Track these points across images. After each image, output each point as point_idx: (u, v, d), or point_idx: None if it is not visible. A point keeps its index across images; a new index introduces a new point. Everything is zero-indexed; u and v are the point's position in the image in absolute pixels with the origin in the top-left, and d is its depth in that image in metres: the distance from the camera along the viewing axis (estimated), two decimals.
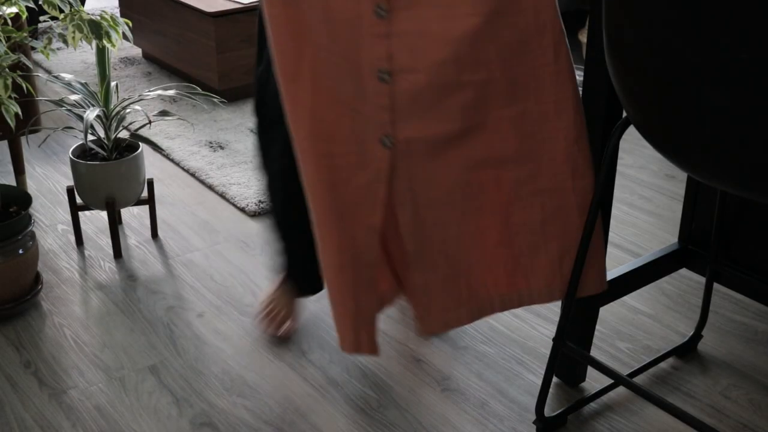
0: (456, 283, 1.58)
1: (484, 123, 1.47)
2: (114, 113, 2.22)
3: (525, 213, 1.54)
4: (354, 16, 1.40)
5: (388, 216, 1.53)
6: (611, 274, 1.78)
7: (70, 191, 2.26)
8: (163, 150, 2.41)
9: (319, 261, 1.56)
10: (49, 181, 2.71)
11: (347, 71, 1.44)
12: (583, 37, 3.69)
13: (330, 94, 1.47)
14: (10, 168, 2.70)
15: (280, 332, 1.95)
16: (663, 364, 1.87)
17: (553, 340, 1.59)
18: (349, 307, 1.56)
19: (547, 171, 1.52)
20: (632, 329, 1.99)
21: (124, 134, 2.30)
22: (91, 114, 2.08)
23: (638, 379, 1.82)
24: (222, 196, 2.61)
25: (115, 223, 2.23)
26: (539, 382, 1.82)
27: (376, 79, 1.42)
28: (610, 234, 2.37)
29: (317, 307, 2.06)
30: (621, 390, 1.79)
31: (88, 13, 2.01)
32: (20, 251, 1.99)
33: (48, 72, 3.68)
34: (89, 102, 2.23)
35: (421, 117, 1.44)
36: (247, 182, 2.66)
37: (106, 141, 2.22)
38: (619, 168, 2.77)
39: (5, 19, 2.03)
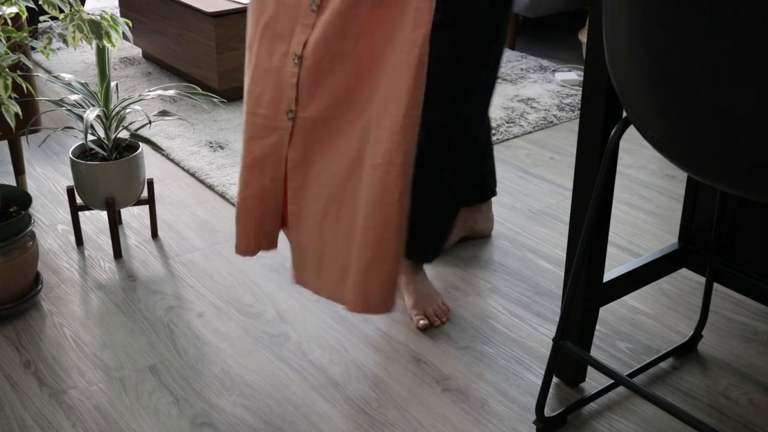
0: (317, 256, 1.81)
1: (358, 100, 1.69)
2: (114, 113, 2.22)
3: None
4: (296, 5, 1.69)
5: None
6: (611, 274, 1.79)
7: (70, 191, 2.26)
8: (163, 150, 2.40)
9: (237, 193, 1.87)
10: (49, 181, 2.71)
11: (279, 49, 1.72)
12: (583, 37, 3.69)
13: (264, 64, 1.76)
14: (10, 168, 2.70)
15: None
16: (663, 364, 1.87)
17: (553, 340, 1.59)
18: (251, 225, 1.86)
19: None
20: (632, 329, 1.99)
21: (124, 134, 2.30)
22: (91, 114, 2.08)
23: (638, 379, 1.82)
24: (222, 196, 2.61)
25: (115, 223, 2.24)
26: (539, 382, 1.82)
27: (291, 62, 1.70)
28: (610, 234, 2.37)
29: (317, 307, 2.07)
30: (621, 390, 1.79)
31: (88, 13, 2.01)
32: (20, 251, 1.99)
33: (48, 72, 3.68)
34: (89, 102, 2.23)
35: (312, 98, 1.71)
36: None
37: (106, 141, 2.22)
38: (619, 168, 2.77)
39: (5, 19, 2.03)
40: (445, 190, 1.97)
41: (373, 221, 1.66)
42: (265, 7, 1.74)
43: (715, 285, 2.11)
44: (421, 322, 1.98)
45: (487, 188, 2.28)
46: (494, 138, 2.98)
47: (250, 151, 1.81)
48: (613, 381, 1.77)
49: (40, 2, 1.99)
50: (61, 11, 1.99)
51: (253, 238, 1.87)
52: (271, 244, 1.90)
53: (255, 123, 1.78)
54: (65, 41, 1.98)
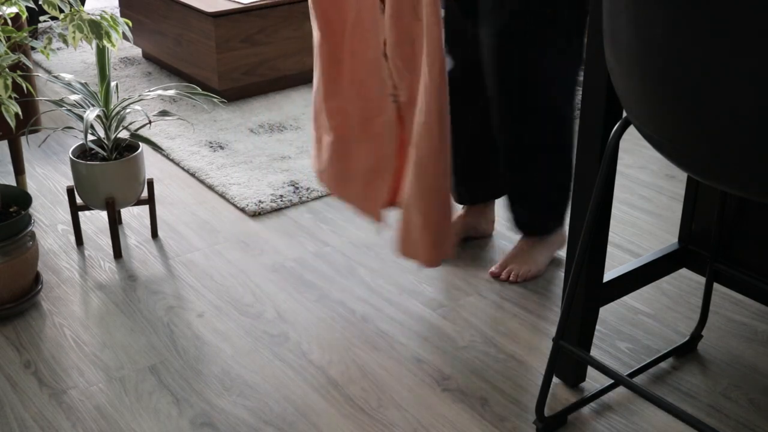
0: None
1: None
2: (114, 113, 2.22)
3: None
4: (371, 6, 1.91)
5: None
6: (611, 274, 1.79)
7: (70, 191, 2.26)
8: (163, 150, 2.40)
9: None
10: (49, 181, 2.71)
11: (372, 43, 1.95)
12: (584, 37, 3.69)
13: (363, 56, 1.99)
14: (10, 168, 2.70)
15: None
16: (663, 364, 1.87)
17: (553, 340, 1.59)
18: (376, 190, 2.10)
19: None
20: (632, 329, 1.99)
21: (124, 134, 2.30)
22: (91, 114, 2.08)
23: (638, 379, 1.82)
24: (222, 196, 2.61)
25: (115, 223, 2.24)
26: (539, 382, 1.82)
27: (383, 57, 1.94)
28: (610, 234, 2.37)
29: (317, 307, 2.07)
30: (621, 390, 1.79)
31: (88, 13, 2.01)
32: (20, 251, 1.99)
33: (48, 72, 3.68)
34: (89, 102, 2.23)
35: (402, 82, 1.93)
36: (247, 182, 2.66)
37: (106, 141, 2.22)
38: (619, 168, 2.77)
39: (5, 19, 2.03)
40: (560, 167, 2.12)
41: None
42: (347, 7, 1.96)
43: (715, 285, 2.11)
44: (494, 269, 2.21)
45: (498, 189, 2.30)
46: None
47: (365, 130, 2.04)
48: (613, 381, 1.77)
49: (40, 2, 1.99)
50: (61, 11, 1.99)
51: (381, 200, 2.07)
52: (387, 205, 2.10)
53: (367, 107, 2.02)
54: (65, 41, 1.98)
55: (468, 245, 2.34)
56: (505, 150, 2.11)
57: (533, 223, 2.19)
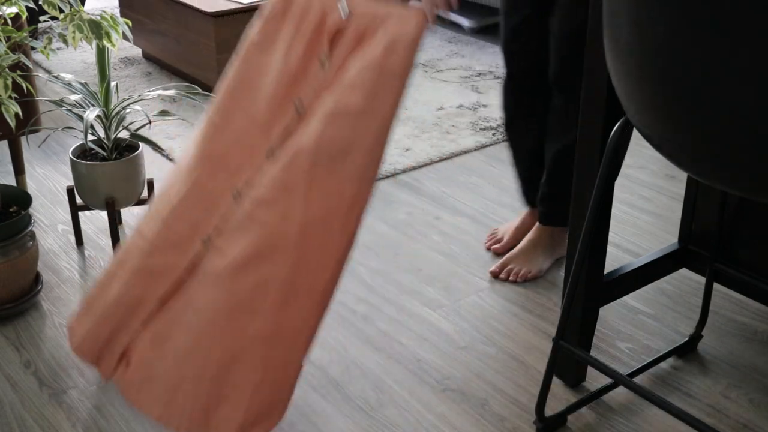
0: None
1: None
2: (114, 113, 2.22)
3: None
4: (250, 148, 1.66)
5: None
6: (611, 274, 1.79)
7: (70, 191, 2.26)
8: (163, 150, 2.40)
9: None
10: (49, 181, 2.71)
11: (221, 176, 1.68)
12: None
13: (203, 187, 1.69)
14: (10, 168, 2.70)
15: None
16: (663, 364, 1.87)
17: (553, 340, 1.59)
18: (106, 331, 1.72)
19: None
20: (632, 329, 1.99)
21: (124, 134, 2.30)
22: (91, 114, 2.08)
23: (638, 379, 1.82)
24: None
25: (115, 223, 2.23)
26: (539, 382, 1.82)
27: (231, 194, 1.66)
28: (610, 234, 2.37)
29: None
30: (621, 390, 1.79)
31: (88, 13, 2.01)
32: (20, 251, 1.99)
33: (48, 72, 3.68)
34: (89, 102, 2.23)
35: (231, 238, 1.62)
36: None
37: (106, 141, 2.22)
38: None
39: (5, 19, 2.03)
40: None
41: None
42: (219, 138, 1.67)
43: (715, 285, 2.11)
44: (494, 268, 2.21)
45: None
46: (494, 138, 2.98)
47: (149, 256, 1.67)
48: (613, 381, 1.77)
49: (40, 2, 1.99)
50: (61, 11, 1.99)
51: (104, 345, 1.72)
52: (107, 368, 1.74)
53: (168, 236, 1.67)
54: (65, 41, 1.98)
55: (467, 245, 2.34)
56: (554, 143, 2.13)
57: (555, 211, 2.20)
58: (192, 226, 1.65)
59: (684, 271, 2.19)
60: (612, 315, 2.04)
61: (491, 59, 3.81)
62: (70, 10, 1.98)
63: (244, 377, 1.56)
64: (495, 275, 2.19)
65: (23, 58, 2.00)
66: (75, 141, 2.95)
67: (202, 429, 1.57)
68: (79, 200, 2.30)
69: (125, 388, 1.67)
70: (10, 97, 1.93)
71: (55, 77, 2.26)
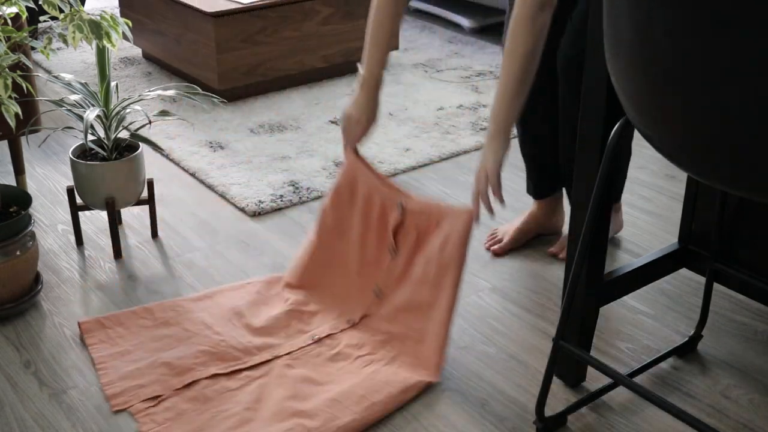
0: None
1: None
2: (114, 113, 2.22)
3: None
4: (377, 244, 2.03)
5: None
6: (611, 274, 1.78)
7: (70, 191, 2.26)
8: (163, 150, 2.40)
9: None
10: (49, 181, 2.71)
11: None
12: None
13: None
14: (10, 168, 2.70)
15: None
16: (663, 364, 1.87)
17: (553, 340, 1.59)
18: None
19: None
20: (632, 329, 1.99)
21: (124, 134, 2.30)
22: (91, 114, 2.08)
23: (638, 379, 1.82)
24: (222, 196, 2.61)
25: (115, 223, 2.24)
26: (539, 382, 1.82)
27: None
28: (611, 234, 2.37)
29: None
30: (621, 390, 1.79)
31: (88, 13, 2.01)
32: (20, 251, 1.99)
33: (48, 72, 3.69)
34: (89, 102, 2.23)
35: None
36: (247, 182, 2.66)
37: (106, 141, 2.22)
38: None
39: (5, 19, 2.03)
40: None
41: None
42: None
43: (715, 285, 2.11)
44: (495, 247, 2.32)
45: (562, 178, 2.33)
46: None
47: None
48: (613, 381, 1.77)
49: (40, 2, 1.99)
50: (61, 11, 1.99)
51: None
52: None
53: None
54: (65, 41, 1.98)
55: None
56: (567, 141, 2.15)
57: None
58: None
59: (684, 271, 2.19)
60: (612, 315, 2.04)
61: (491, 59, 3.81)
62: (70, 10, 1.98)
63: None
64: (554, 255, 2.29)
65: (23, 58, 2.00)
66: (75, 141, 2.95)
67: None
68: (79, 200, 2.30)
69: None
70: (10, 97, 1.93)
71: (55, 77, 2.26)
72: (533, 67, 1.74)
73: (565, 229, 2.41)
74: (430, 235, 1.87)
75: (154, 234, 2.38)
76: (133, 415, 1.70)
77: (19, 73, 2.02)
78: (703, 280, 2.15)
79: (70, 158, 2.20)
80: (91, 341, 1.91)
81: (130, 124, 2.32)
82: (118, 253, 2.27)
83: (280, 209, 2.53)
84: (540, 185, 2.31)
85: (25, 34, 1.99)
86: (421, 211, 1.89)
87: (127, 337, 1.92)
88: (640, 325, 2.00)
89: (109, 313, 1.99)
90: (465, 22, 4.23)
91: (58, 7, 1.98)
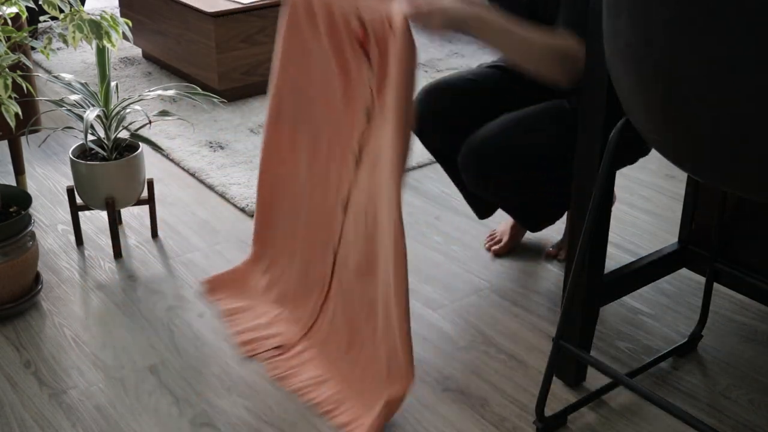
0: None
1: None
2: (114, 113, 2.22)
3: None
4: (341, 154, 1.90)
5: None
6: (611, 274, 1.78)
7: (70, 191, 2.26)
8: (163, 150, 2.40)
9: None
10: (49, 181, 2.71)
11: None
12: None
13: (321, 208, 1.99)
14: (10, 168, 2.70)
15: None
16: (663, 364, 1.87)
17: (553, 340, 1.59)
18: None
19: None
20: (632, 329, 1.99)
21: (124, 134, 2.30)
22: (91, 114, 2.08)
23: (638, 379, 1.82)
24: (222, 196, 2.61)
25: (115, 223, 2.24)
26: (539, 382, 1.82)
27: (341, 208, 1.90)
28: (610, 234, 2.37)
29: None
30: (621, 390, 1.79)
31: (88, 13, 2.01)
32: (20, 251, 1.99)
33: (48, 72, 3.68)
34: (89, 102, 2.23)
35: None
36: (247, 182, 2.66)
37: (106, 141, 2.22)
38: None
39: (5, 19, 2.03)
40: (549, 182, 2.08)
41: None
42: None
43: (715, 285, 2.11)
44: (495, 247, 2.31)
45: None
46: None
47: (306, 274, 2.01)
48: (613, 381, 1.77)
49: (40, 2, 1.99)
50: (61, 11, 1.99)
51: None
52: None
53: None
54: (65, 41, 1.98)
55: (467, 245, 2.34)
56: None
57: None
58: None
59: (684, 271, 2.19)
60: (612, 315, 2.04)
61: (491, 59, 3.80)
62: (70, 10, 1.98)
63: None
64: (552, 255, 2.28)
65: (23, 58, 2.00)
66: (75, 141, 2.95)
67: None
68: (79, 200, 2.30)
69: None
70: (10, 97, 1.93)
71: (55, 77, 2.26)
72: (538, 58, 1.73)
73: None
74: (389, 56, 1.64)
75: (154, 234, 2.38)
76: (262, 361, 1.85)
77: (19, 73, 2.01)
78: (703, 280, 2.15)
79: (70, 158, 2.20)
80: (218, 296, 2.07)
81: (130, 124, 2.32)
82: (118, 253, 2.27)
83: None
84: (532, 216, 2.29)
85: (25, 34, 1.99)
86: (375, 16, 1.66)
87: (247, 293, 2.07)
88: (640, 325, 2.00)
89: (228, 270, 2.14)
90: None
91: (58, 7, 1.98)
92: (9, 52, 1.97)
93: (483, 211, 2.25)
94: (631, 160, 2.09)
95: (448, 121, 2.08)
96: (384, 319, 1.71)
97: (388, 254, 1.67)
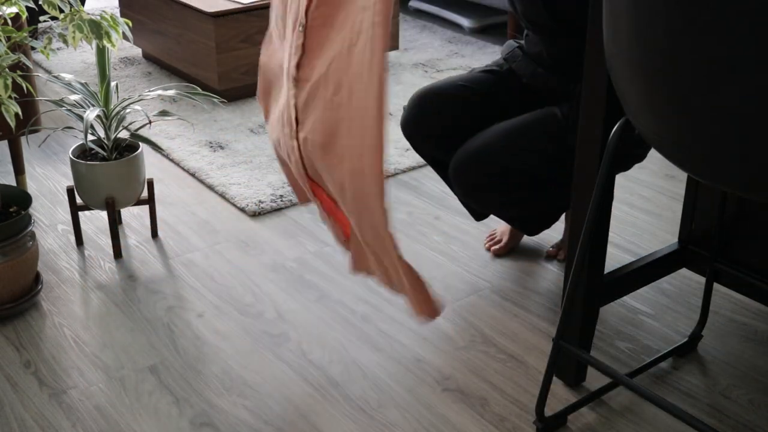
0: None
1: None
2: (114, 113, 2.22)
3: None
4: (292, 28, 1.69)
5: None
6: (611, 274, 1.78)
7: (70, 191, 2.26)
8: (163, 150, 2.40)
9: None
10: (49, 181, 2.71)
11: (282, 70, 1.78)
12: None
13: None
14: (10, 168, 2.70)
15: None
16: (663, 364, 1.87)
17: (553, 340, 1.59)
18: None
19: None
20: (632, 329, 1.99)
21: (124, 134, 2.30)
22: (91, 114, 2.08)
23: (638, 379, 1.82)
24: (222, 196, 2.61)
25: (115, 223, 2.24)
26: (539, 382, 1.82)
27: (291, 82, 1.70)
28: (610, 234, 2.37)
29: (317, 307, 2.07)
30: (621, 390, 1.79)
31: (88, 13, 2.01)
32: (20, 251, 1.99)
33: (48, 72, 3.68)
34: (89, 102, 2.23)
35: (307, 120, 1.68)
36: (247, 182, 2.66)
37: (106, 141, 2.22)
38: None
39: (5, 19, 2.03)
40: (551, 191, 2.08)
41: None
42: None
43: (715, 285, 2.11)
44: (495, 247, 2.30)
45: None
46: None
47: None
48: (613, 381, 1.77)
49: (40, 2, 1.99)
50: (61, 11, 1.99)
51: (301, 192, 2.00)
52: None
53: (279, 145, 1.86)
54: (65, 41, 1.98)
55: (467, 245, 2.34)
56: None
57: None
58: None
59: (684, 271, 2.19)
60: (612, 315, 2.04)
61: (491, 59, 3.80)
62: (70, 10, 1.98)
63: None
64: (552, 255, 2.28)
65: (23, 58, 2.00)
66: (75, 141, 2.95)
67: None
68: (79, 200, 2.30)
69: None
70: (10, 97, 1.93)
71: (55, 77, 2.26)
72: None
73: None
74: None
75: (154, 234, 2.38)
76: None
77: (19, 73, 2.01)
78: (703, 280, 2.15)
79: (70, 158, 2.20)
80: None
81: (130, 124, 2.32)
82: (118, 253, 2.27)
83: (280, 209, 2.53)
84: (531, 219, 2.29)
85: (25, 34, 1.99)
86: None
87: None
88: (640, 325, 2.00)
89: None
90: (465, 22, 4.23)
91: (58, 7, 1.98)
92: (9, 52, 1.97)
93: (478, 214, 2.26)
94: (626, 167, 2.10)
95: (440, 128, 2.08)
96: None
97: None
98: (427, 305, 1.65)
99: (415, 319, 1.77)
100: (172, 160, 2.85)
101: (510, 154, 1.95)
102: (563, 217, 2.31)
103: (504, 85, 2.12)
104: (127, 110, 2.24)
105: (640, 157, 2.08)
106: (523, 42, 2.13)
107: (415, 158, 2.82)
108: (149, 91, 2.27)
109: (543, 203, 2.06)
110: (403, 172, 2.75)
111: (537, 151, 1.96)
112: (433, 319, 1.68)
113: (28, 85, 2.05)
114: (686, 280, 2.17)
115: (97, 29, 1.99)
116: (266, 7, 3.26)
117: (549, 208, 2.10)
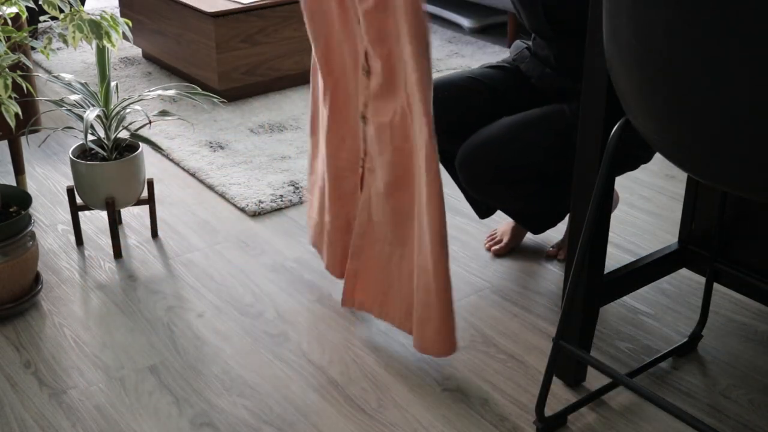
0: (382, 288, 1.93)
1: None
2: (114, 113, 2.22)
3: None
4: (353, 67, 1.86)
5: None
6: (611, 274, 1.78)
7: (70, 191, 2.26)
8: (163, 150, 2.40)
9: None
10: (49, 181, 2.71)
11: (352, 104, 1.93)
12: None
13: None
14: (10, 168, 2.70)
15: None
16: (663, 364, 1.87)
17: (553, 340, 1.59)
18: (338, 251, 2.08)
19: None
20: (632, 329, 1.99)
21: (124, 134, 2.30)
22: (91, 114, 2.08)
23: (638, 379, 1.82)
24: (222, 196, 2.61)
25: (115, 223, 2.24)
26: (539, 382, 1.82)
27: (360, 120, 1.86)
28: (610, 234, 2.37)
29: (317, 307, 2.07)
30: (621, 390, 1.79)
31: (88, 13, 2.01)
32: (20, 251, 1.99)
33: (48, 72, 3.68)
34: (89, 102, 2.23)
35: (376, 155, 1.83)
36: (247, 182, 2.66)
37: (106, 141, 2.22)
38: None
39: (5, 19, 2.03)
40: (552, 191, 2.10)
41: (422, 265, 1.76)
42: (332, 66, 1.91)
43: (715, 285, 2.11)
44: (495, 247, 2.31)
45: None
46: None
47: (337, 187, 1.97)
48: (613, 381, 1.77)
49: (40, 2, 1.99)
50: (61, 11, 1.99)
51: (339, 264, 2.05)
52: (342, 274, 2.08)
53: (338, 165, 1.96)
54: (65, 41, 1.98)
55: (467, 245, 2.34)
56: None
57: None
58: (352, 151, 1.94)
59: (684, 271, 2.19)
60: (612, 315, 2.04)
61: (491, 59, 3.80)
62: (70, 10, 1.98)
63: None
64: (553, 255, 2.28)
65: (23, 58, 2.00)
66: (75, 141, 2.95)
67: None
68: (79, 200, 2.30)
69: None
70: (10, 97, 1.93)
71: (55, 77, 2.26)
72: None
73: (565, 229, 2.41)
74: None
75: (154, 234, 2.38)
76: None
77: (19, 73, 2.01)
78: (703, 280, 2.15)
79: (70, 158, 2.20)
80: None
81: (130, 124, 2.32)
82: (118, 253, 2.27)
83: (280, 209, 2.53)
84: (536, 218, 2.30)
85: (25, 34, 1.99)
86: None
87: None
88: (640, 325, 2.00)
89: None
90: (465, 22, 4.23)
91: (58, 7, 1.98)
92: (9, 52, 1.97)
93: (484, 211, 2.26)
94: (633, 167, 2.10)
95: (449, 119, 2.08)
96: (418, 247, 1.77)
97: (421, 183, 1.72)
98: (448, 338, 1.77)
99: (424, 353, 1.83)
100: (172, 160, 2.85)
101: (516, 147, 1.95)
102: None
103: (513, 82, 2.12)
104: (127, 110, 2.24)
105: (647, 158, 2.08)
106: (530, 43, 2.13)
107: None
108: (149, 91, 2.27)
109: (548, 201, 2.06)
110: None
111: (543, 145, 1.96)
112: (447, 355, 1.80)
113: (28, 85, 2.05)
114: (686, 280, 2.17)
115: (97, 29, 1.99)
116: (266, 7, 3.26)
117: (554, 207, 2.10)
